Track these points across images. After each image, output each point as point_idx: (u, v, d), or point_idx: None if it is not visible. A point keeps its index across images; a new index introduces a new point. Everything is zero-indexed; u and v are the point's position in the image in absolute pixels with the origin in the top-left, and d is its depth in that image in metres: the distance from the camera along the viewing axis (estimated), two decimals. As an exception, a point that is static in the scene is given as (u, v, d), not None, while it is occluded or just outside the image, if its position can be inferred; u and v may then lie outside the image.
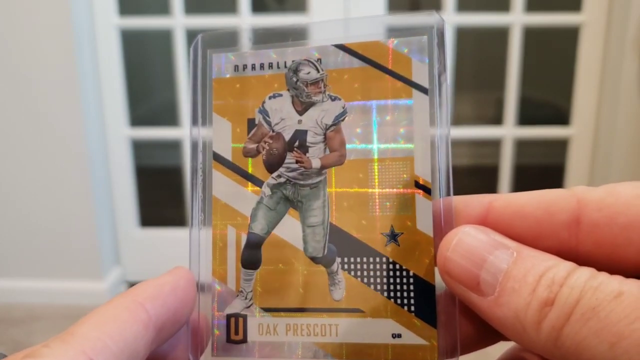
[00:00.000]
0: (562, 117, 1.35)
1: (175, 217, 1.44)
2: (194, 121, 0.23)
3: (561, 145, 1.34)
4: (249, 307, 0.22)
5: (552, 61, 1.54)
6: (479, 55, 1.73)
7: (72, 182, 1.26)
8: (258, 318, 0.22)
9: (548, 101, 1.60)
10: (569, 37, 1.28)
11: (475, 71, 1.79)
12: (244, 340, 0.22)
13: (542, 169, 1.55)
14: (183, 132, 1.33)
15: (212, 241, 0.23)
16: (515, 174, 1.35)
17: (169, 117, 1.35)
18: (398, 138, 0.22)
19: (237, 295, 0.22)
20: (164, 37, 1.29)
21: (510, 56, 1.27)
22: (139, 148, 1.37)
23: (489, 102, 1.48)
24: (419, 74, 0.22)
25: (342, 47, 0.23)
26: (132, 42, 1.35)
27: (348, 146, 0.22)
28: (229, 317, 0.22)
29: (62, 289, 1.30)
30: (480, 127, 1.41)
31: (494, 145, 1.34)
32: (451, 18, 1.24)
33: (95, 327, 0.17)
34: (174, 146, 1.36)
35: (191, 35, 1.28)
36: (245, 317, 0.22)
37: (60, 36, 1.18)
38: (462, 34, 1.30)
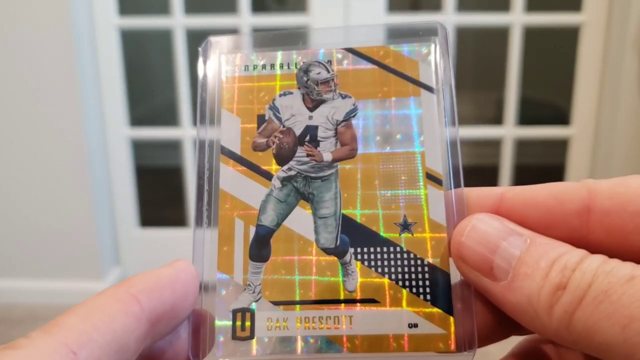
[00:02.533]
0: (562, 117, 1.35)
1: (175, 217, 1.44)
2: (202, 119, 0.23)
3: (561, 145, 1.34)
4: (257, 301, 0.21)
5: (552, 61, 1.54)
6: (479, 55, 1.73)
7: (72, 182, 1.26)
8: (267, 312, 0.21)
9: (548, 101, 1.60)
10: (569, 37, 1.28)
11: (475, 71, 1.79)
12: (251, 336, 0.21)
13: (542, 169, 1.55)
14: (183, 132, 1.33)
15: (219, 234, 0.22)
16: (515, 174, 1.35)
17: (169, 117, 1.35)
18: (409, 132, 0.23)
19: (245, 290, 0.22)
20: (164, 37, 1.29)
21: (510, 56, 1.27)
22: (139, 148, 1.37)
23: (489, 102, 1.48)
24: (426, 75, 0.23)
25: (350, 50, 0.24)
26: (132, 42, 1.35)
27: (359, 141, 0.23)
28: (235, 312, 0.21)
29: (62, 289, 1.30)
30: (480, 127, 1.41)
31: (494, 145, 1.34)
32: (451, 18, 1.24)
33: (82, 319, 0.16)
34: (174, 146, 1.36)
35: (191, 35, 1.28)
36: (252, 312, 0.21)
37: (60, 36, 1.18)
38: (462, 34, 1.30)
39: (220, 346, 0.21)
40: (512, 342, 0.23)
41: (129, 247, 1.40)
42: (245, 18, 1.26)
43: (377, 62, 0.24)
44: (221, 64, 0.24)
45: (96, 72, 1.28)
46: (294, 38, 0.24)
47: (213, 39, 0.24)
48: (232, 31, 1.28)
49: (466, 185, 0.21)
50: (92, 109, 1.26)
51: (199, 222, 0.22)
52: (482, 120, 1.67)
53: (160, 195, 1.62)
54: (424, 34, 0.24)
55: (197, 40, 1.28)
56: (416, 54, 0.23)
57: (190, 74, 1.30)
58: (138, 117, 1.37)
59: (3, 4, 1.16)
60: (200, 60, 0.24)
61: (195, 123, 0.23)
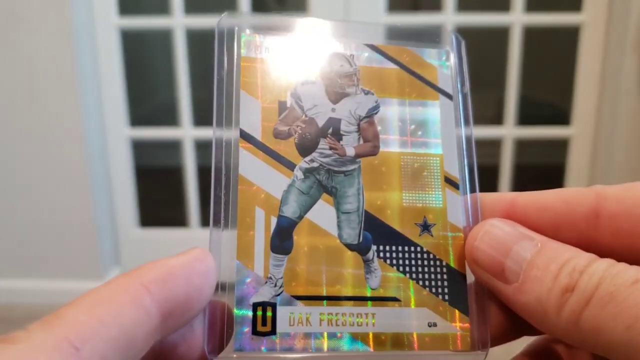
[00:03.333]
0: (562, 117, 1.35)
1: (175, 217, 1.43)
2: (219, 98, 0.22)
3: (561, 145, 1.34)
4: (278, 294, 0.20)
5: (552, 61, 1.54)
6: (479, 55, 1.73)
7: (72, 182, 1.26)
8: (289, 307, 0.20)
9: (548, 101, 1.60)
10: (569, 37, 1.28)
11: (475, 71, 1.79)
12: (273, 331, 0.20)
13: (542, 169, 1.54)
14: (183, 132, 1.33)
15: (238, 224, 0.21)
16: (515, 173, 1.35)
17: (169, 117, 1.35)
18: (428, 136, 0.23)
19: (266, 282, 0.20)
20: (164, 37, 1.29)
21: (510, 56, 1.28)
22: (139, 148, 1.37)
23: (489, 102, 1.48)
24: (444, 82, 0.24)
25: (373, 47, 0.24)
26: (132, 42, 1.35)
27: (381, 139, 0.23)
28: (255, 305, 0.20)
29: (62, 289, 1.30)
30: (481, 127, 1.40)
31: (494, 145, 1.34)
32: (451, 18, 1.24)
33: (86, 311, 0.15)
34: (174, 146, 1.36)
35: (191, 35, 1.28)
36: (274, 306, 0.20)
37: (60, 36, 1.18)
38: (462, 34, 1.29)
39: (239, 341, 0.20)
40: (520, 343, 0.23)
41: (129, 247, 1.40)
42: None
43: (399, 63, 0.24)
44: (240, 43, 0.23)
45: (96, 72, 1.28)
46: (316, 27, 0.24)
47: (231, 15, 0.23)
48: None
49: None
50: (92, 109, 1.26)
51: (217, 209, 0.21)
52: (482, 120, 1.67)
53: (160, 195, 1.62)
54: (441, 40, 0.24)
55: (197, 40, 1.28)
56: (435, 60, 0.24)
57: (191, 74, 1.30)
58: (138, 117, 1.37)
59: (3, 4, 1.16)
60: (217, 36, 0.22)
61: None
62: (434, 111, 0.23)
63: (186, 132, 1.33)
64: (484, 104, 1.63)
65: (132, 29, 1.30)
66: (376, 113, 0.23)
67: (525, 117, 1.32)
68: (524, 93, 1.31)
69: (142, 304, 0.16)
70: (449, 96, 0.23)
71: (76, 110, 1.22)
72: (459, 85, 0.24)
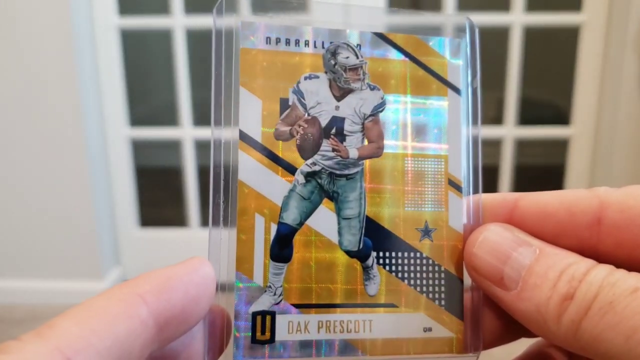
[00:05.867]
0: (562, 117, 1.35)
1: (175, 217, 1.43)
2: (217, 96, 0.20)
3: (561, 145, 1.34)
4: (277, 303, 0.20)
5: (552, 61, 1.54)
6: (479, 55, 1.73)
7: (72, 182, 1.26)
8: (288, 315, 0.20)
9: (548, 101, 1.60)
10: (569, 37, 1.28)
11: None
12: (272, 340, 0.20)
13: (542, 169, 1.54)
14: (183, 132, 1.33)
15: (237, 231, 0.20)
16: (516, 174, 1.35)
17: (169, 117, 1.35)
18: (433, 136, 0.22)
19: (265, 291, 0.20)
20: (164, 37, 1.29)
21: (510, 56, 1.27)
22: (139, 148, 1.37)
23: (490, 102, 1.48)
24: (454, 75, 0.22)
25: (381, 37, 0.22)
26: (132, 42, 1.35)
27: (385, 139, 0.22)
28: (254, 314, 0.20)
29: (62, 289, 1.30)
30: (481, 126, 1.40)
31: (494, 145, 1.34)
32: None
33: (80, 321, 0.15)
34: (174, 146, 1.36)
35: (191, 35, 1.28)
36: (273, 315, 0.20)
37: (60, 36, 1.18)
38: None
39: (238, 350, 0.20)
40: (519, 344, 0.23)
41: (129, 247, 1.40)
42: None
43: (408, 54, 0.22)
44: (239, 32, 0.21)
45: (96, 72, 1.28)
46: (321, 13, 0.22)
47: (229, 1, 0.21)
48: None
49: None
50: (92, 109, 1.26)
51: (216, 216, 0.20)
52: (482, 120, 1.67)
53: (160, 195, 1.62)
54: (454, 29, 0.22)
55: (197, 40, 1.28)
56: (445, 51, 0.22)
57: (191, 74, 1.30)
58: (138, 117, 1.37)
59: (3, 4, 1.16)
60: (214, 26, 0.20)
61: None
62: (441, 109, 0.22)
63: (186, 132, 1.33)
64: (484, 104, 1.62)
65: (132, 29, 1.30)
66: (382, 111, 0.22)
67: (526, 117, 1.32)
68: (524, 93, 1.31)
69: (138, 315, 0.16)
70: (458, 91, 0.22)
71: (76, 110, 1.22)
72: (469, 79, 0.22)
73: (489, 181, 1.39)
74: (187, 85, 1.30)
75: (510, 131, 1.32)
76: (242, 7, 0.21)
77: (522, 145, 1.34)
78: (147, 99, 1.61)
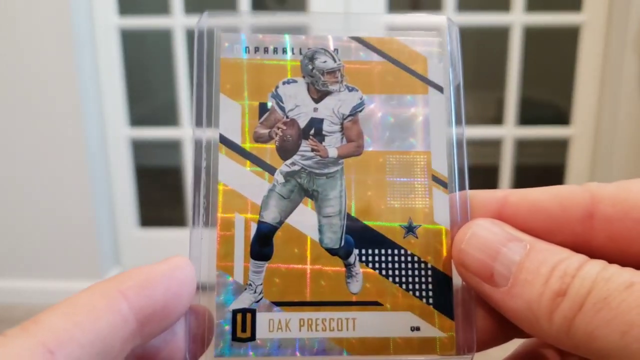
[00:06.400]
0: (562, 117, 1.35)
1: (175, 217, 1.43)
2: (199, 104, 0.21)
3: (561, 145, 1.34)
4: (258, 301, 0.21)
5: (552, 61, 1.54)
6: (479, 55, 1.73)
7: (72, 182, 1.26)
8: (268, 313, 0.20)
9: (548, 101, 1.60)
10: (569, 37, 1.28)
11: (475, 71, 1.79)
12: (252, 338, 0.20)
13: (542, 169, 1.54)
14: (183, 132, 1.33)
15: (218, 230, 0.21)
16: (515, 174, 1.35)
17: (169, 117, 1.35)
18: (415, 133, 0.22)
19: (245, 289, 0.21)
20: (164, 37, 1.29)
21: (510, 56, 1.27)
22: (139, 148, 1.37)
23: (489, 102, 1.48)
24: (435, 73, 0.22)
25: (359, 40, 0.22)
26: (132, 42, 1.35)
27: (365, 138, 0.22)
28: (235, 312, 0.20)
29: (62, 289, 1.30)
30: (481, 127, 1.40)
31: (494, 145, 1.34)
32: (451, 18, 1.24)
33: (64, 316, 0.15)
34: (174, 146, 1.36)
35: (191, 35, 1.28)
36: (253, 312, 0.20)
37: (60, 36, 1.18)
38: (463, 33, 1.29)
39: (219, 347, 0.20)
40: (513, 343, 0.23)
41: (129, 247, 1.40)
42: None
43: (386, 55, 0.22)
44: (220, 43, 0.22)
45: (96, 72, 1.28)
46: (297, 23, 0.23)
47: (211, 13, 0.22)
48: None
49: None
50: (92, 109, 1.26)
51: (196, 217, 0.21)
52: (482, 120, 1.67)
53: (160, 195, 1.62)
54: (433, 28, 0.23)
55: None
56: (425, 50, 0.23)
57: (191, 73, 1.30)
58: (138, 117, 1.37)
59: (3, 4, 1.16)
60: (196, 37, 0.22)
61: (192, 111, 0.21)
62: (423, 106, 0.22)
63: (186, 132, 1.33)
64: (484, 104, 1.63)
65: (131, 29, 1.30)
66: (361, 111, 0.22)
67: (525, 117, 1.32)
68: (524, 93, 1.31)
69: (119, 310, 0.16)
70: (440, 88, 0.22)
71: (76, 110, 1.22)
72: (451, 76, 0.22)
73: (489, 181, 1.39)
74: (187, 85, 1.30)
75: (510, 131, 1.31)
76: (223, 18, 0.22)
77: (522, 145, 1.34)
78: (147, 98, 1.61)
